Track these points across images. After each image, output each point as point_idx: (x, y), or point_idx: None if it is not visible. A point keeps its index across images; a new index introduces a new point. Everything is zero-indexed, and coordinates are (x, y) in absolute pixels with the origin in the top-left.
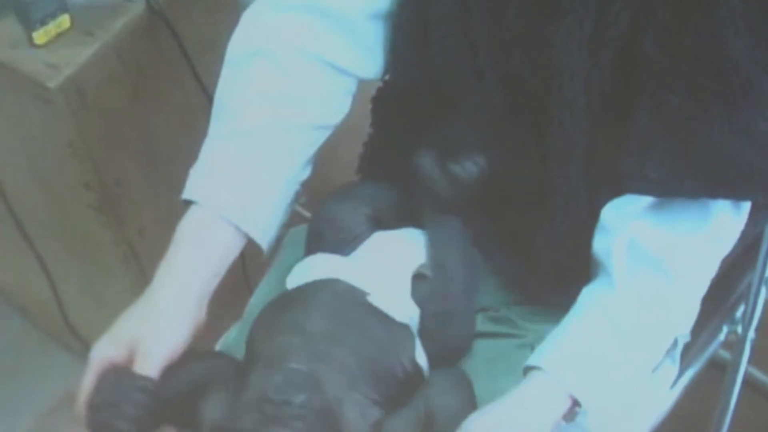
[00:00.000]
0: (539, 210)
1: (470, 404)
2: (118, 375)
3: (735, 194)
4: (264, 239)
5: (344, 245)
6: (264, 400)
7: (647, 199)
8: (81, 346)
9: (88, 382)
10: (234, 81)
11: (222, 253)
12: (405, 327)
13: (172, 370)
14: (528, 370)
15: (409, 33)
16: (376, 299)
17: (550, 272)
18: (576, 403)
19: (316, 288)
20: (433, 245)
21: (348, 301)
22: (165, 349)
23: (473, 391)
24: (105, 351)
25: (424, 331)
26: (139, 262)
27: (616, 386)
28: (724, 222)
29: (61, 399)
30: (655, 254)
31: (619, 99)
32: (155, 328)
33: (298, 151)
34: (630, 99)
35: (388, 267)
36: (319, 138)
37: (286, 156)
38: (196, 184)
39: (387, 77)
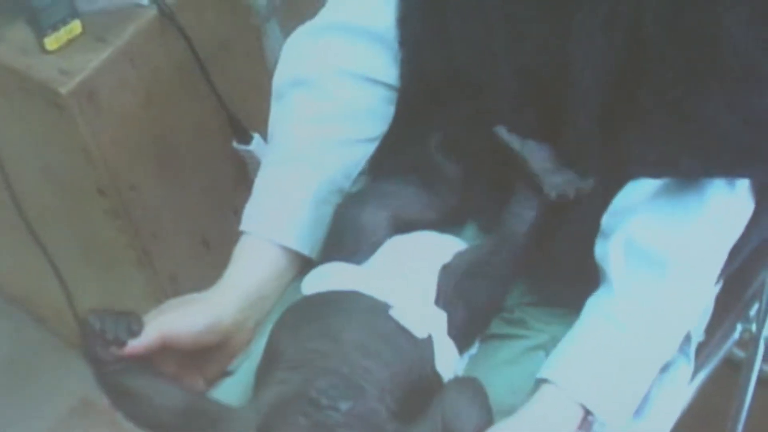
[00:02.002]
0: (557, 206)
1: (487, 418)
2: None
3: (732, 173)
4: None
5: (363, 251)
6: (309, 403)
7: (643, 195)
8: None
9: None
10: (281, 112)
11: (267, 272)
12: (427, 339)
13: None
14: (539, 382)
15: (425, 19)
16: (397, 313)
17: (567, 270)
18: (588, 412)
19: (342, 298)
20: (506, 222)
21: (375, 314)
22: (170, 321)
23: (489, 403)
24: None
25: (455, 299)
26: (153, 267)
27: (627, 390)
28: (721, 205)
29: (78, 405)
30: (653, 248)
31: (628, 82)
32: (175, 307)
33: (345, 166)
34: (635, 81)
35: (409, 275)
36: (368, 150)
37: (332, 172)
38: (248, 216)
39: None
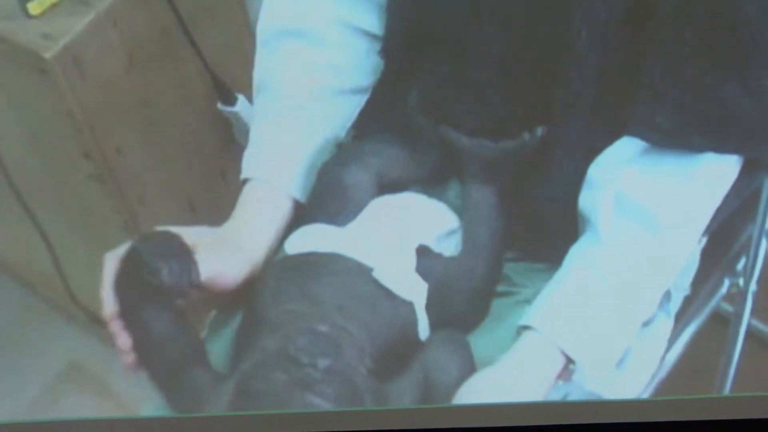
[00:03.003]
0: (536, 162)
1: (468, 369)
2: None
3: (742, 150)
4: None
5: (347, 212)
6: (289, 360)
7: (634, 151)
8: (84, 316)
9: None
10: (270, 60)
11: (280, 218)
12: (409, 304)
13: None
14: (521, 330)
15: None
16: (380, 275)
17: (546, 226)
18: (569, 360)
19: (323, 260)
20: (469, 221)
21: (356, 276)
22: (218, 268)
23: (471, 355)
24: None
25: (438, 304)
26: (140, 231)
27: (608, 340)
28: (712, 172)
29: (66, 369)
30: (643, 204)
31: (630, 52)
32: (218, 245)
33: (338, 116)
34: (641, 51)
35: (391, 240)
36: (360, 101)
37: (327, 122)
38: (249, 163)
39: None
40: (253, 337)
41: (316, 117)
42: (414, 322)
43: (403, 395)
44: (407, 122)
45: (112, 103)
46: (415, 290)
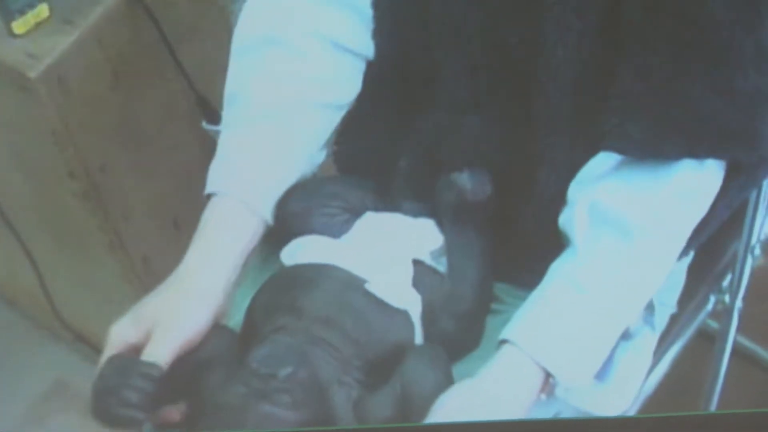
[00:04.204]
0: (523, 183)
1: (446, 381)
2: (123, 361)
3: (716, 154)
4: None
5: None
6: (251, 374)
7: (610, 165)
8: (69, 334)
9: (102, 364)
10: (244, 69)
11: (246, 240)
12: (403, 313)
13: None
14: (500, 344)
15: None
16: (374, 287)
17: (533, 250)
18: (549, 374)
19: (317, 272)
20: (452, 252)
21: (347, 287)
22: (181, 335)
23: (449, 367)
24: (122, 333)
25: (434, 330)
26: (125, 249)
27: (587, 353)
28: (689, 177)
29: (51, 387)
30: (617, 213)
31: (605, 63)
32: (176, 313)
33: (313, 131)
34: (614, 62)
35: (386, 251)
36: (334, 118)
37: (301, 137)
38: (216, 176)
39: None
40: (244, 355)
41: (290, 130)
42: (409, 332)
43: (380, 407)
44: (390, 188)
45: (96, 122)
46: (409, 300)
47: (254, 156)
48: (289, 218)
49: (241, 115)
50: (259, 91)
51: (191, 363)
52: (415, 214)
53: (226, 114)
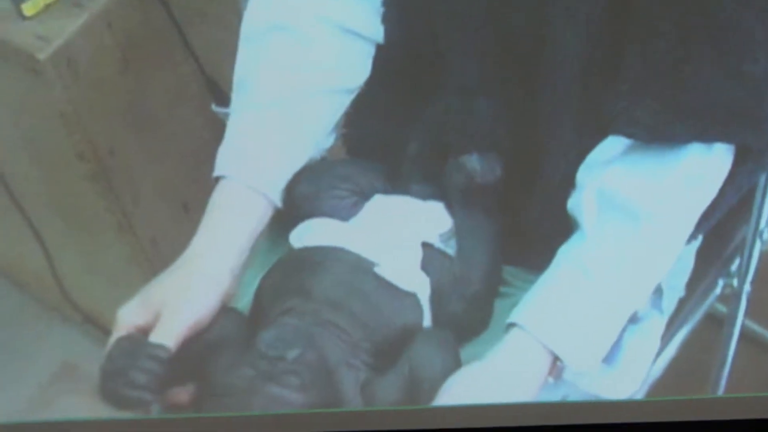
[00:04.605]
0: (532, 167)
1: (454, 364)
2: (131, 343)
3: (725, 137)
4: None
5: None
6: (258, 356)
7: (618, 150)
8: (78, 316)
9: (110, 345)
10: (254, 55)
11: (254, 223)
12: (412, 296)
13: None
14: (508, 327)
15: None
16: (383, 270)
17: (541, 234)
18: (557, 358)
19: (325, 255)
20: (461, 235)
21: (356, 270)
22: (189, 317)
23: (457, 350)
24: (130, 315)
25: (442, 313)
26: (134, 231)
27: (593, 335)
28: (697, 162)
29: (60, 369)
30: (625, 198)
31: (612, 47)
32: (184, 295)
33: (321, 115)
34: (622, 47)
35: (395, 234)
36: (343, 102)
37: (310, 121)
38: (225, 160)
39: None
40: (253, 337)
41: (298, 115)
42: (418, 315)
43: (388, 389)
44: (399, 171)
45: (105, 104)
46: (418, 282)
47: (263, 140)
48: (298, 201)
49: (250, 100)
50: (268, 77)
51: (199, 345)
52: (425, 197)
53: (235, 99)
